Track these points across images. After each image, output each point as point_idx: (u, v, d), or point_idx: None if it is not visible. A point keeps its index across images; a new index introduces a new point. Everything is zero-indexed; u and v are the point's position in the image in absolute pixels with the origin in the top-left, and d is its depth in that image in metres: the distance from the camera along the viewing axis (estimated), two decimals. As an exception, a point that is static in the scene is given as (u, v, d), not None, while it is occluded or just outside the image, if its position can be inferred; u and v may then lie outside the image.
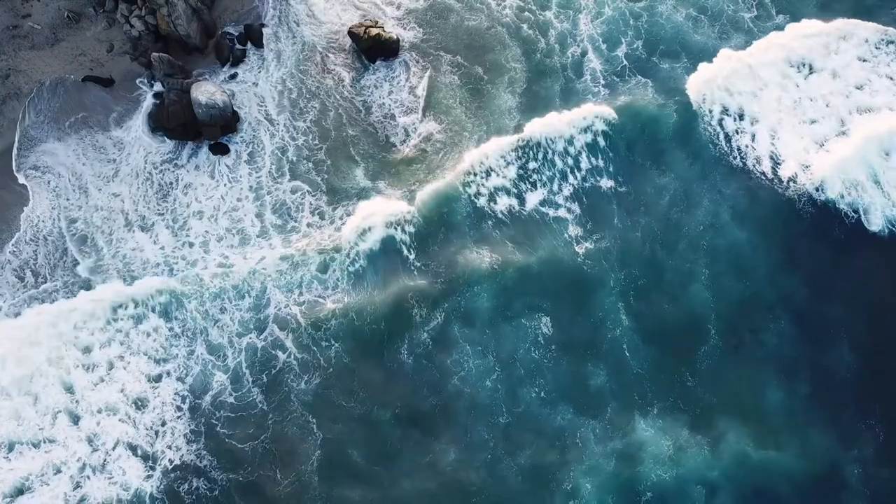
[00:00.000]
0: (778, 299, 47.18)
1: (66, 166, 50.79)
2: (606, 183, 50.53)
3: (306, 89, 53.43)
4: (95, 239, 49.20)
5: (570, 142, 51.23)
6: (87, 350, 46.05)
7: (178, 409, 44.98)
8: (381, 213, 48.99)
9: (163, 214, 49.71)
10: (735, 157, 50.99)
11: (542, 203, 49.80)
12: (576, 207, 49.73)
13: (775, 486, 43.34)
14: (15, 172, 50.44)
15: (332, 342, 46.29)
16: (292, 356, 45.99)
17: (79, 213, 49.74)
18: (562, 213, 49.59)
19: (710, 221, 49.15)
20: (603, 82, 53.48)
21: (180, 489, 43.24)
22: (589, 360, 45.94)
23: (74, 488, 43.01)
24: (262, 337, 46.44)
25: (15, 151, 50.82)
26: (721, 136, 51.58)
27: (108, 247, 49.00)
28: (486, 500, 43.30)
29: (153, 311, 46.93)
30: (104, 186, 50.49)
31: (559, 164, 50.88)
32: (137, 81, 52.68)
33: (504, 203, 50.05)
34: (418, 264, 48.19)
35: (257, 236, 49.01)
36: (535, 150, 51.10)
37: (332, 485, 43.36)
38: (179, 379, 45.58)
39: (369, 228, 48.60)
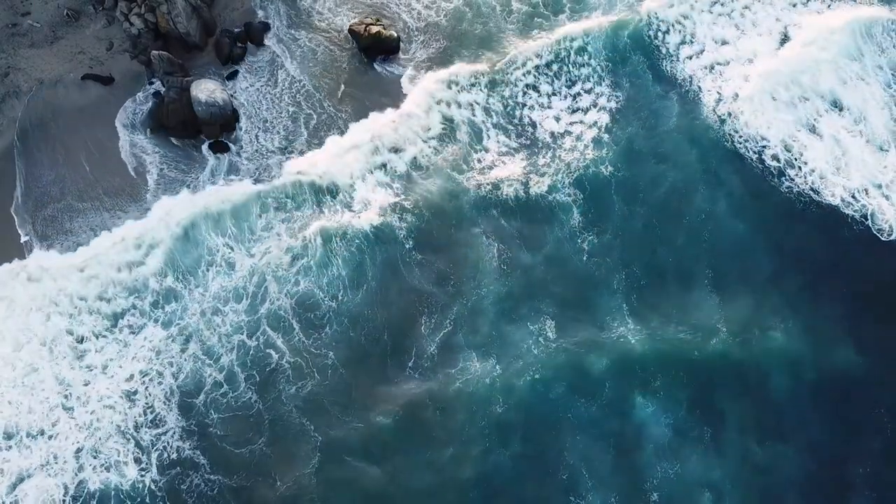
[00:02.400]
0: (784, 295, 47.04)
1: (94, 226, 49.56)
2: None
3: (306, 91, 52.90)
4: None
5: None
6: (81, 344, 46.19)
7: (173, 406, 44.84)
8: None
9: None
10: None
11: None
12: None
13: (780, 483, 42.98)
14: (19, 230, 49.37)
15: (327, 349, 45.98)
16: (285, 359, 45.73)
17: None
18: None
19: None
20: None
21: (180, 486, 43.12)
22: (592, 353, 45.68)
23: (73, 477, 43.23)
24: (254, 337, 46.13)
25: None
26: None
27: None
28: (485, 497, 43.10)
29: (153, 320, 46.89)
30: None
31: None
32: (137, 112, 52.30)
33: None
34: (418, 257, 48.00)
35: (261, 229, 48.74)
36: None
37: (331, 485, 43.19)
38: (174, 376, 45.40)
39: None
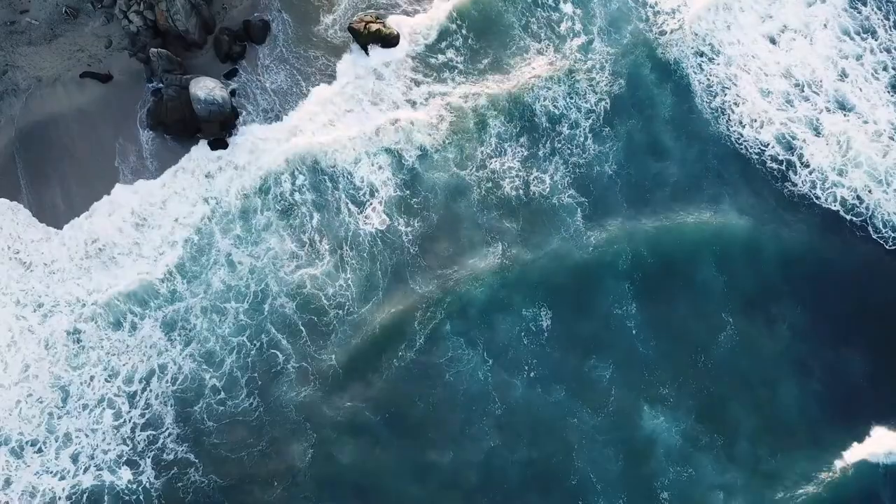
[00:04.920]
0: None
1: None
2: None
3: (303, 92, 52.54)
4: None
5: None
6: (79, 343, 46.46)
7: (171, 407, 45.10)
8: None
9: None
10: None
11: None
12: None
13: (787, 484, 43.39)
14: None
15: (331, 347, 46.17)
16: (290, 362, 45.84)
17: None
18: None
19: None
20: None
21: (176, 486, 43.57)
22: (596, 353, 45.87)
23: (70, 477, 43.79)
24: (256, 339, 46.25)
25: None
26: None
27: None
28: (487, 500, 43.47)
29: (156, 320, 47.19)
30: None
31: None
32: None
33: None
34: (421, 261, 48.07)
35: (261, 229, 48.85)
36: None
37: (326, 486, 43.61)
38: (174, 377, 45.65)
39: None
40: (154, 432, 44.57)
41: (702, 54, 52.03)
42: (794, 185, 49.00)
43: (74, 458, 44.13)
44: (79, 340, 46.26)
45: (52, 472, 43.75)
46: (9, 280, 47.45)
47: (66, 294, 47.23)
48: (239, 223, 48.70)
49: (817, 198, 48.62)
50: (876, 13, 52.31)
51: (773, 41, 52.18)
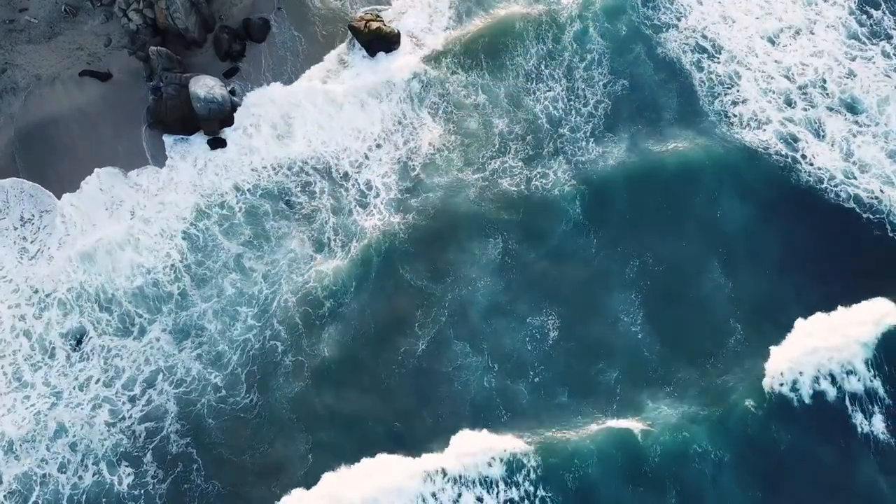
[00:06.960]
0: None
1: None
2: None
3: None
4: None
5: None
6: (77, 342, 46.35)
7: (171, 406, 44.77)
8: None
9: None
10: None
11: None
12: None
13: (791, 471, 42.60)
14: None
15: (328, 345, 45.89)
16: (289, 358, 45.54)
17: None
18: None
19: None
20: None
21: (175, 485, 43.20)
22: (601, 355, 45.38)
23: (71, 477, 43.47)
24: (259, 339, 46.05)
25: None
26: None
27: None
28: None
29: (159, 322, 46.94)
30: None
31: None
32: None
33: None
34: (423, 260, 47.82)
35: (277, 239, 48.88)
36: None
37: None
38: (177, 379, 45.46)
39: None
40: (156, 427, 44.43)
41: (702, 50, 51.74)
42: (806, 181, 48.37)
43: (72, 447, 44.04)
44: (80, 343, 46.04)
45: (50, 462, 43.60)
46: (9, 270, 47.63)
47: (67, 292, 47.12)
48: (246, 226, 48.63)
49: (835, 196, 48.02)
50: (888, 17, 52.10)
51: (771, 41, 51.95)
